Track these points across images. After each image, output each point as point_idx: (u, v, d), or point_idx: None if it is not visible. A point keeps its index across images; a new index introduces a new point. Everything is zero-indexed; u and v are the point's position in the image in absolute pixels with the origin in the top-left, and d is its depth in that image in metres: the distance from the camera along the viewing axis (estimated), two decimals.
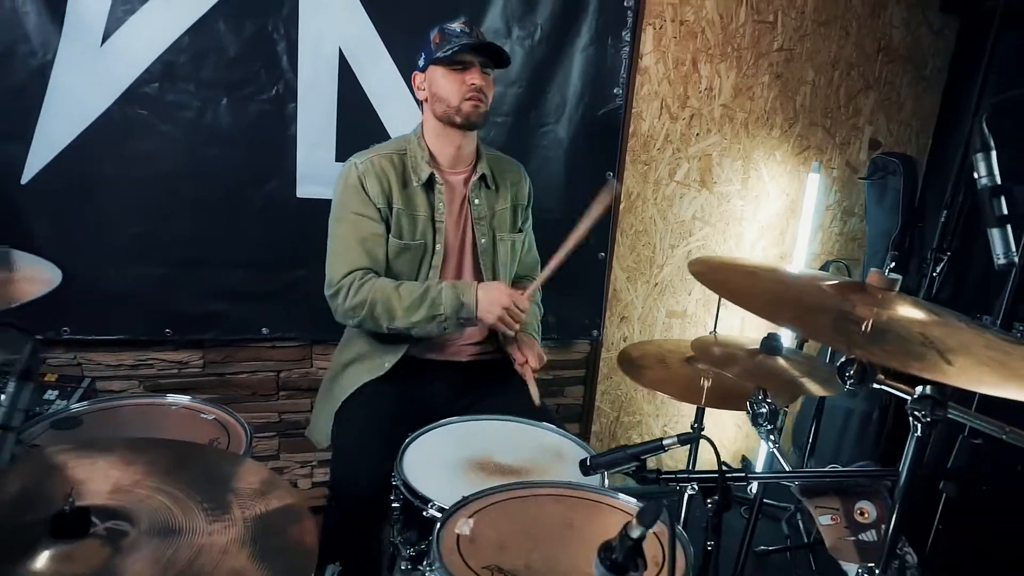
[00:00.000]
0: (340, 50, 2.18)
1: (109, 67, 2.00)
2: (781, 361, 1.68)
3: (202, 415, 1.56)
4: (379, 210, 1.76)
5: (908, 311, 0.99)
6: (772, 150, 2.79)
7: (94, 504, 0.90)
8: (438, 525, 1.16)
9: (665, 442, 1.18)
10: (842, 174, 2.93)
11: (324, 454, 2.52)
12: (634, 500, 1.29)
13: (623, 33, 2.45)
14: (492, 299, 1.71)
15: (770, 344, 1.70)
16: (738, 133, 2.73)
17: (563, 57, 2.41)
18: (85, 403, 1.58)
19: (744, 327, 2.89)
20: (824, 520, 1.16)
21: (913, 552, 1.08)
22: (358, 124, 2.22)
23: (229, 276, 2.24)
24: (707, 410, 2.01)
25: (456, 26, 1.74)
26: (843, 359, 0.98)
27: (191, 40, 2.04)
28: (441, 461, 1.48)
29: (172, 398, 1.61)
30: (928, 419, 0.91)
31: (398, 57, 2.22)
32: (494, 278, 1.90)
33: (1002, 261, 1.43)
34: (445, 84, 1.73)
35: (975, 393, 0.85)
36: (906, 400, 0.95)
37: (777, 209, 2.88)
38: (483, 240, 1.88)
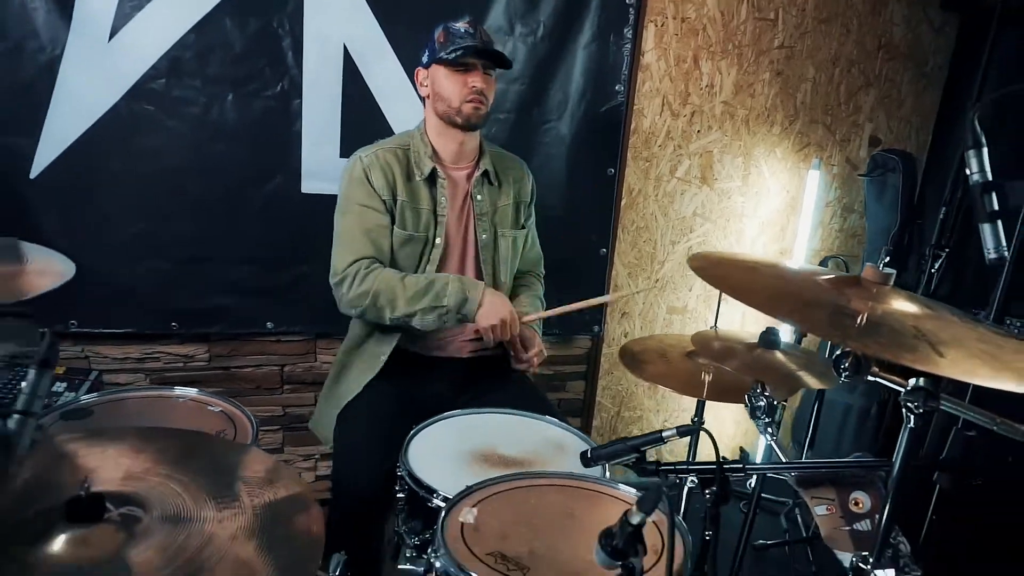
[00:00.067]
0: (345, 47, 2.20)
1: (116, 63, 2.02)
2: (779, 355, 1.70)
3: (209, 407, 1.58)
4: (384, 202, 1.78)
5: (902, 305, 1.01)
6: (773, 147, 2.81)
7: (108, 490, 0.92)
8: (443, 513, 1.19)
9: (664, 434, 1.20)
10: (842, 171, 2.95)
11: (328, 448, 2.55)
12: (633, 490, 1.31)
13: (625, 30, 2.46)
14: (496, 306, 1.74)
15: (768, 338, 1.72)
16: (739, 130, 2.74)
17: (565, 54, 2.43)
18: (95, 394, 1.60)
19: (744, 322, 2.91)
20: (820, 510, 1.18)
21: (906, 541, 1.10)
22: (362, 121, 2.24)
23: (234, 271, 2.27)
24: (707, 407, 2.04)
25: (460, 26, 1.75)
26: (839, 352, 1.00)
27: (197, 36, 2.06)
28: (445, 453, 1.50)
29: (180, 390, 1.64)
30: (920, 410, 0.94)
31: (402, 54, 2.24)
32: (494, 274, 1.92)
33: (992, 256, 1.46)
34: (447, 84, 1.75)
35: (968, 386, 0.87)
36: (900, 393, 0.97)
37: (777, 205, 2.89)
38: (484, 236, 1.90)
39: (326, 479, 2.60)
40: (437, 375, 1.90)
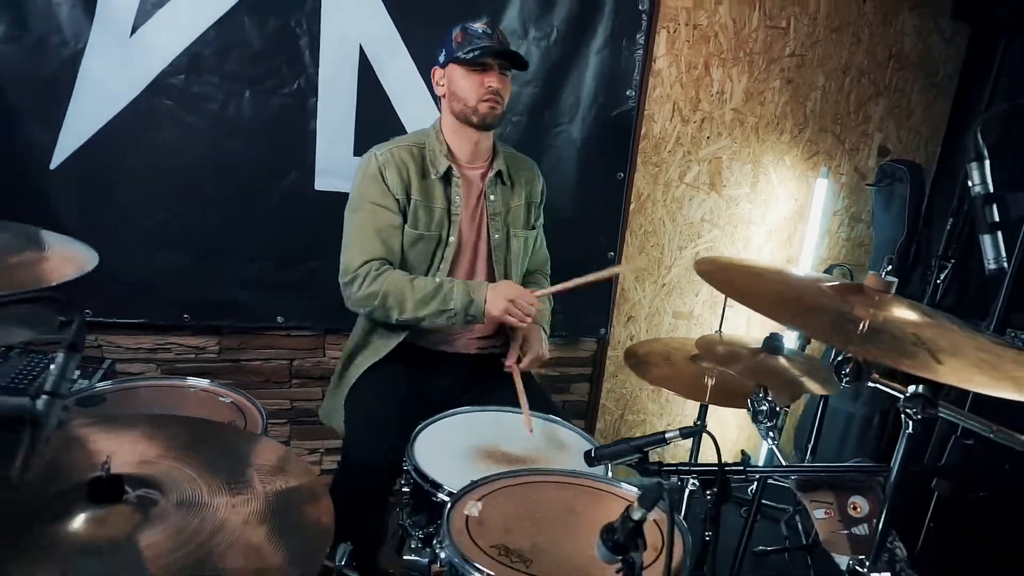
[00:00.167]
0: (361, 47, 2.23)
1: (137, 58, 2.06)
2: (782, 360, 1.72)
3: (220, 398, 1.62)
4: (397, 201, 1.81)
5: (903, 313, 1.03)
6: (781, 155, 2.83)
7: (126, 473, 0.95)
8: (448, 506, 1.22)
9: (667, 435, 1.23)
10: (850, 180, 2.96)
11: (333, 442, 2.58)
12: (634, 489, 1.34)
13: (637, 36, 2.48)
14: (499, 292, 1.76)
15: (772, 343, 1.74)
16: (748, 137, 2.76)
17: (578, 58, 2.45)
18: (108, 382, 1.64)
19: (749, 328, 2.92)
20: (819, 514, 1.20)
21: (903, 546, 1.12)
22: (377, 120, 2.27)
23: (247, 265, 2.30)
24: (710, 412, 2.06)
25: (479, 26, 1.77)
26: (840, 358, 1.02)
27: (217, 34, 2.10)
28: (450, 449, 1.53)
29: (191, 381, 1.67)
30: (919, 417, 0.96)
31: (417, 55, 2.27)
32: (506, 273, 1.95)
33: (992, 266, 1.48)
34: (464, 84, 1.77)
35: (968, 395, 0.89)
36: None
37: (785, 213, 2.91)
38: (497, 235, 1.92)
39: (331, 473, 2.62)
40: (444, 369, 1.93)
